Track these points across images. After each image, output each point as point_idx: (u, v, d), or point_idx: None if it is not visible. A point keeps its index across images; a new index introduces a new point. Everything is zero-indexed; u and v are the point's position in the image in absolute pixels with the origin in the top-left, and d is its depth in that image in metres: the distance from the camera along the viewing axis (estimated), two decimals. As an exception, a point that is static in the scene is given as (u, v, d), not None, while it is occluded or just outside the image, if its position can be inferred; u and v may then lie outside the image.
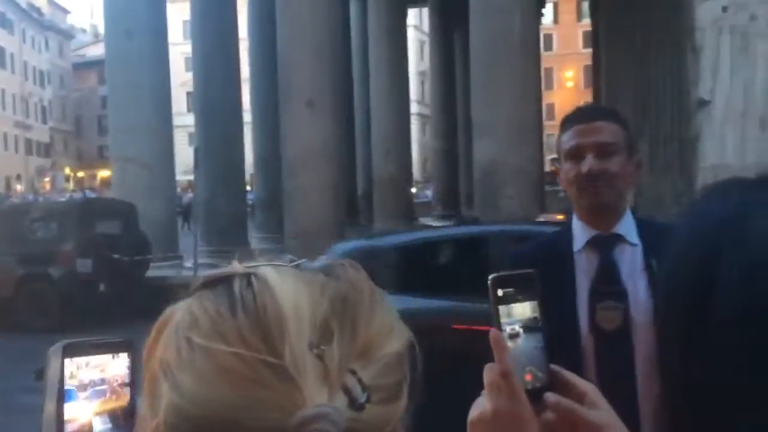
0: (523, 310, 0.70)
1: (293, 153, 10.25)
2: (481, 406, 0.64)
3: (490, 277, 0.70)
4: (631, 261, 1.53)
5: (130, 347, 0.62)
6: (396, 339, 0.47)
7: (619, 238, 1.55)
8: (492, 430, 0.63)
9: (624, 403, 1.20)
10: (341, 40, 11.31)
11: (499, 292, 0.70)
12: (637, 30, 12.81)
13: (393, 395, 0.45)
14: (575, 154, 1.55)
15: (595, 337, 1.52)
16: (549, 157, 23.54)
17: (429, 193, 24.32)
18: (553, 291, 1.36)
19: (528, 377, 0.67)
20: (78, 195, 32.80)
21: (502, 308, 0.69)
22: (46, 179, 52.55)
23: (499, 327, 0.68)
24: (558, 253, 1.59)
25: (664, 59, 11.34)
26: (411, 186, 18.05)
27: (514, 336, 0.68)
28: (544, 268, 1.10)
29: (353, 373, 0.43)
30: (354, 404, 0.42)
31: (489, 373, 0.64)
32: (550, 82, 52.81)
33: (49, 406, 0.59)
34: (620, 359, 1.51)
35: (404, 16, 16.72)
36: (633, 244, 1.54)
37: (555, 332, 1.30)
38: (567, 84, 56.06)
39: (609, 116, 1.62)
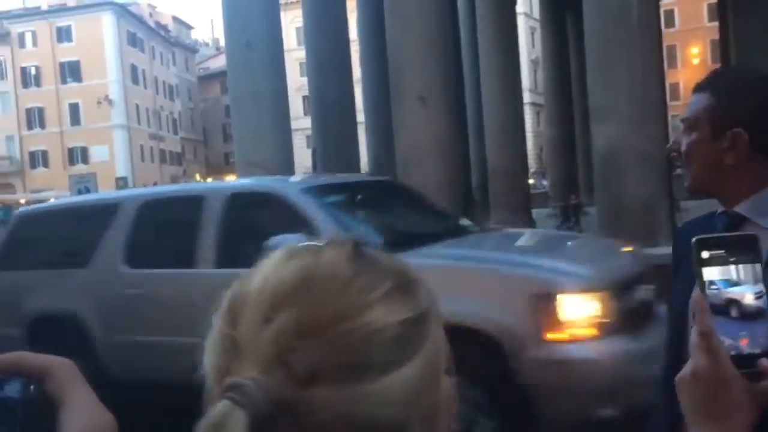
0: (738, 273, 0.66)
1: (406, 150, 10.35)
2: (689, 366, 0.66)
3: (693, 239, 0.68)
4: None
5: None
6: (366, 319, 0.45)
7: (740, 218, 1.34)
8: (693, 389, 0.64)
9: None
10: (450, 34, 11.27)
11: (704, 254, 0.67)
12: (770, -4, 11.84)
13: (352, 377, 0.43)
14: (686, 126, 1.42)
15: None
16: (675, 139, 22.21)
17: (546, 183, 23.73)
18: (684, 267, 1.35)
19: (743, 342, 0.65)
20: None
21: (706, 270, 0.67)
22: (179, 186, 56.15)
23: (702, 289, 0.66)
24: (706, 229, 1.39)
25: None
26: (527, 177, 17.68)
27: (733, 301, 0.65)
28: (684, 246, 1.14)
29: (295, 348, 0.43)
30: (290, 381, 0.43)
31: (692, 334, 0.65)
32: (674, 60, 49.89)
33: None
34: None
35: (514, 3, 16.40)
36: (762, 228, 1.28)
37: (674, 307, 1.32)
38: (693, 61, 52.68)
39: (700, 86, 1.42)
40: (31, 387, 0.50)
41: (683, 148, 1.39)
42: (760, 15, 12.83)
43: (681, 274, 1.40)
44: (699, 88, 1.42)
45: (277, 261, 0.49)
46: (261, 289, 0.47)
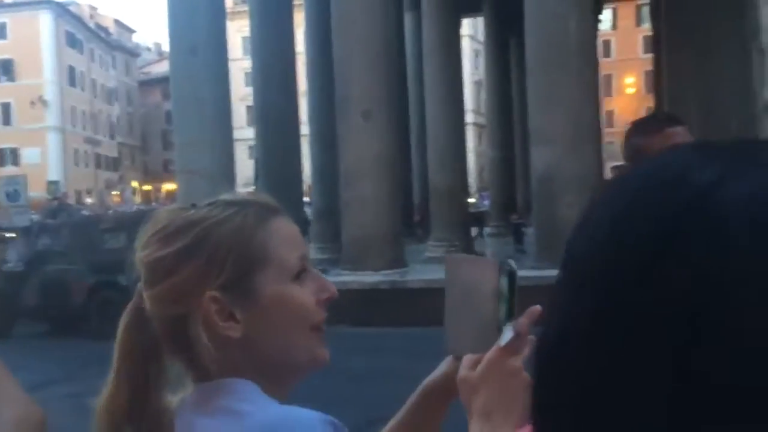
0: None
1: (350, 163, 10.38)
2: None
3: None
4: None
5: None
6: (139, 255, 0.77)
7: None
8: None
9: None
10: (396, 51, 11.42)
11: None
12: (701, 33, 12.47)
13: (145, 285, 0.77)
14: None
15: None
16: (610, 164, 23.04)
17: (486, 202, 24.17)
18: None
19: None
20: (144, 207, 33.89)
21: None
22: (115, 192, 54.55)
23: None
24: None
25: (729, 62, 10.99)
26: (467, 196, 17.97)
27: None
28: None
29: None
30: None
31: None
32: (609, 88, 51.76)
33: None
34: None
35: (459, 26, 16.73)
36: None
37: None
38: (627, 90, 54.80)
39: (677, 121, 1.78)
40: None
41: None
42: (691, 51, 13.48)
43: None
44: (676, 123, 1.79)
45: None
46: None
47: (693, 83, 13.30)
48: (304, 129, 14.94)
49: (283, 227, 0.77)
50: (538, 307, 0.72)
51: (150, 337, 0.76)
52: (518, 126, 22.07)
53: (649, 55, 28.38)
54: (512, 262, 0.76)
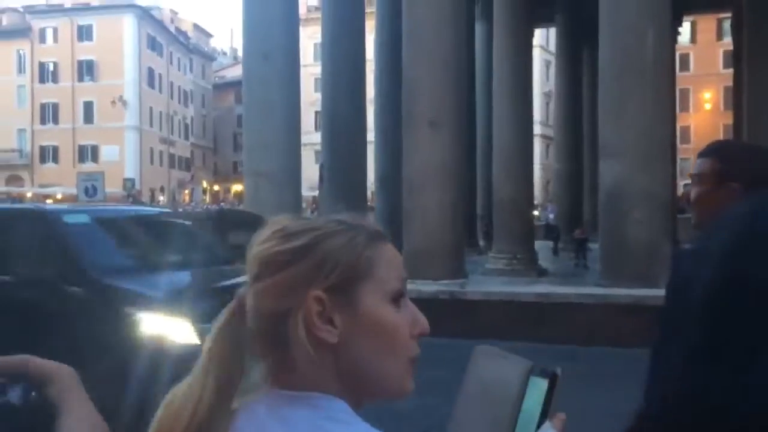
0: None
1: (414, 172, 10.38)
2: None
3: None
4: None
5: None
6: (252, 251, 0.80)
7: None
8: None
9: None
10: (465, 61, 11.36)
11: None
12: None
13: (252, 279, 0.78)
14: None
15: None
16: (683, 181, 22.26)
17: (552, 216, 23.72)
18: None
19: None
20: (214, 206, 34.84)
21: None
22: (186, 191, 56.33)
23: None
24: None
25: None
26: (532, 208, 17.71)
27: None
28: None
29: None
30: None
31: None
32: (686, 103, 50.06)
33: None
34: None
35: (531, 36, 16.52)
36: None
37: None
38: (705, 106, 52.83)
39: (705, 153, 2.08)
40: (33, 393, 0.53)
41: (692, 195, 2.04)
42: (775, 65, 12.89)
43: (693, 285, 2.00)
44: (703, 154, 2.06)
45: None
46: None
47: (776, 100, 12.71)
48: (370, 136, 15.06)
49: (389, 251, 0.81)
50: (562, 415, 0.74)
51: (243, 340, 0.78)
52: (587, 139, 21.59)
53: (729, 70, 27.31)
54: (558, 369, 0.73)
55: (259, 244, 0.79)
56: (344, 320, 0.74)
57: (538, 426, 0.70)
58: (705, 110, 52.54)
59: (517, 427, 0.71)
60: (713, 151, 2.11)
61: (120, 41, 51.84)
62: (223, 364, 0.76)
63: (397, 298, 0.78)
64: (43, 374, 0.57)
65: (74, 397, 0.56)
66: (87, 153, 51.71)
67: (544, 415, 0.70)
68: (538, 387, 0.72)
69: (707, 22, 48.54)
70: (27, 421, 0.50)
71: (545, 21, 21.50)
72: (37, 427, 0.51)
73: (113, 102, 51.28)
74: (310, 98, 38.78)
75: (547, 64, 46.92)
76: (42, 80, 52.88)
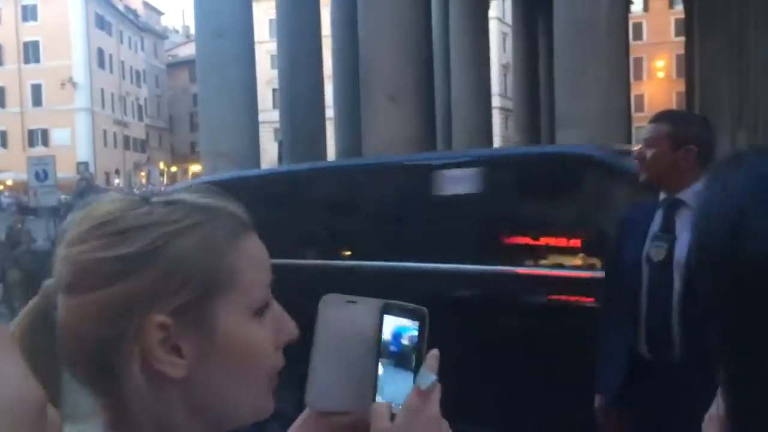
0: None
1: (374, 146, 10.35)
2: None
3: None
4: (686, 218, 2.17)
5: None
6: (68, 252, 0.60)
7: (681, 202, 2.20)
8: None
9: (661, 318, 2.16)
10: (423, 34, 11.31)
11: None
12: (734, 14, 12.16)
13: (67, 291, 0.59)
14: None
15: (648, 267, 2.21)
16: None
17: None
18: (633, 235, 2.27)
19: None
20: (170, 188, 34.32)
21: None
22: (142, 173, 55.29)
23: None
24: (647, 210, 2.28)
25: (763, 45, 10.71)
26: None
27: None
28: (634, 220, 2.35)
29: (61, 266, 0.61)
30: (60, 286, 0.60)
31: None
32: (640, 72, 50.90)
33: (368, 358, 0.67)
34: (662, 284, 2.16)
35: (486, 7, 16.53)
36: (692, 207, 2.13)
37: (626, 262, 2.29)
38: (658, 74, 53.82)
39: (659, 119, 2.27)
40: None
41: (647, 156, 2.21)
42: (723, 34, 13.15)
43: (629, 243, 2.27)
44: (656, 119, 2.27)
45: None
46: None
47: (725, 65, 13.00)
48: (329, 112, 14.94)
49: (255, 248, 0.63)
50: (436, 351, 0.66)
51: (54, 350, 0.59)
52: (545, 110, 21.83)
53: (681, 38, 27.80)
54: (424, 309, 0.68)
55: (74, 243, 0.59)
56: (194, 347, 0.58)
57: (416, 368, 0.66)
58: (658, 78, 53.54)
59: (388, 372, 0.67)
60: (667, 117, 2.29)
61: (66, 20, 50.16)
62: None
63: (261, 310, 0.62)
64: None
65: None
66: (37, 137, 50.21)
67: (419, 356, 0.66)
68: (405, 327, 0.67)
69: (659, -9, 49.28)
70: None
71: (501, -8, 21.50)
72: None
73: (62, 84, 49.77)
74: (267, 76, 38.22)
75: (504, 36, 47.06)
76: (-14, 63, 50.97)
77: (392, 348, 0.67)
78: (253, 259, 0.62)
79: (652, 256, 2.19)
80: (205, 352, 0.59)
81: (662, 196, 2.25)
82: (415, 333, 0.67)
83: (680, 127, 2.23)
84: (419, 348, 0.66)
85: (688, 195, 2.18)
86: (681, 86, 32.09)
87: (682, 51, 27.71)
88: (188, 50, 55.99)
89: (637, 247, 2.23)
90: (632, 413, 2.30)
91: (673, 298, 2.13)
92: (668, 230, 2.20)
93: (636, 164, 2.28)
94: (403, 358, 0.67)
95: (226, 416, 0.62)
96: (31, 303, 0.60)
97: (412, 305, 0.68)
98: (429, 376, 0.65)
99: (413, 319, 0.67)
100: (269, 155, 19.65)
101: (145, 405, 0.57)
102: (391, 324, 0.68)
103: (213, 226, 0.61)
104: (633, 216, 2.38)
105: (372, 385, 0.67)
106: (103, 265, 0.57)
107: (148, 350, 0.57)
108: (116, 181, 51.82)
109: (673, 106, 49.13)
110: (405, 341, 0.67)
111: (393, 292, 0.86)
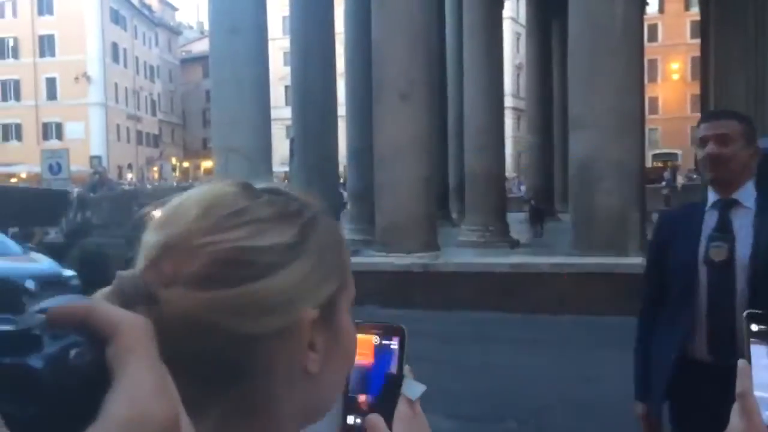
0: None
1: (385, 145, 10.35)
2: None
3: (745, 313, 0.73)
4: (742, 218, 2.14)
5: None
6: (209, 240, 0.52)
7: (736, 202, 2.16)
8: None
9: (724, 320, 2.07)
10: (436, 33, 11.30)
11: (754, 327, 0.72)
12: (750, 17, 12.05)
13: (194, 282, 0.51)
14: (702, 142, 2.16)
15: (708, 268, 2.14)
16: (651, 152, 22.55)
17: (523, 188, 23.90)
18: (684, 236, 2.21)
19: None
20: (183, 183, 34.45)
21: (755, 344, 0.71)
22: (155, 168, 55.53)
23: (749, 360, 0.71)
24: (695, 211, 2.24)
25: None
26: (504, 181, 17.80)
27: None
28: (681, 222, 2.28)
29: (163, 257, 0.52)
30: (158, 280, 0.51)
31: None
32: (654, 74, 50.53)
33: None
34: (725, 285, 2.10)
35: (500, 7, 16.45)
36: (747, 207, 2.15)
37: (680, 264, 2.20)
38: (672, 76, 53.42)
39: (729, 115, 2.20)
40: (72, 352, 0.37)
41: (727, 153, 2.12)
42: (740, 37, 13.04)
43: (681, 243, 2.20)
44: (724, 116, 2.22)
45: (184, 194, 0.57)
46: (165, 207, 0.56)
47: (740, 69, 12.88)
48: (341, 110, 14.95)
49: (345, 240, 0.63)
50: (408, 367, 0.69)
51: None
52: (558, 111, 21.72)
53: (697, 41, 27.59)
54: (403, 327, 0.69)
55: (209, 231, 0.52)
56: (324, 342, 0.56)
57: (397, 383, 0.67)
58: (672, 80, 53.14)
59: (382, 389, 0.67)
60: (735, 114, 2.25)
61: (81, 15, 50.43)
62: None
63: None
64: (107, 326, 0.38)
65: (136, 361, 0.37)
66: (51, 130, 50.56)
67: (400, 372, 0.67)
68: (388, 347, 0.68)
69: (675, -7, 48.90)
70: (61, 390, 0.35)
71: (515, -8, 21.42)
72: (78, 397, 0.35)
73: (77, 78, 50.07)
74: (280, 73, 38.28)
75: (518, 36, 46.89)
76: (2, 56, 51.35)
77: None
78: (348, 252, 0.61)
79: (713, 256, 2.13)
80: (330, 347, 0.57)
81: (713, 196, 2.20)
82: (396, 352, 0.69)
83: (750, 126, 2.20)
84: (400, 366, 0.68)
85: (742, 195, 2.15)
86: (695, 89, 31.84)
87: (697, 53, 27.48)
88: (202, 46, 56.17)
89: (692, 248, 2.17)
90: (681, 419, 2.22)
91: (736, 298, 2.08)
92: (725, 230, 2.14)
93: (706, 162, 2.16)
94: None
95: (324, 410, 0.60)
96: (107, 295, 0.49)
97: (390, 323, 0.69)
98: (418, 386, 0.67)
99: (391, 338, 0.69)
100: (281, 152, 19.68)
101: (279, 404, 0.55)
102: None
103: (330, 217, 0.59)
104: (678, 217, 2.34)
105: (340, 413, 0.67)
106: (254, 256, 0.52)
107: (298, 347, 0.54)
108: (129, 175, 52.09)
109: (688, 109, 48.78)
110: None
111: None
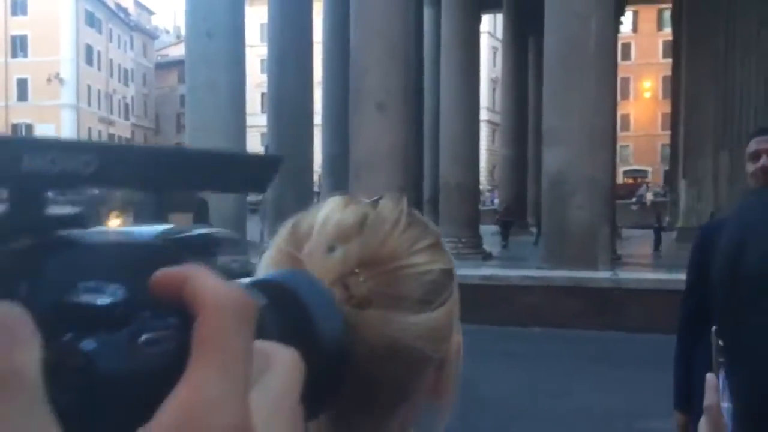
0: None
1: (361, 154, 10.35)
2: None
3: (714, 327, 0.79)
4: None
5: None
6: (414, 261, 0.51)
7: None
8: None
9: None
10: (413, 45, 11.36)
11: (722, 343, 0.78)
12: (720, 38, 12.33)
13: (399, 307, 0.50)
14: (754, 157, 2.27)
15: None
16: (622, 168, 22.89)
17: (496, 201, 24.08)
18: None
19: None
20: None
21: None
22: (126, 173, 54.77)
23: (717, 374, 0.76)
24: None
25: (748, 68, 10.86)
26: (478, 192, 17.91)
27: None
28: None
29: (356, 274, 0.49)
30: (349, 300, 0.48)
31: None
32: (627, 91, 51.41)
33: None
34: None
35: (478, 21, 16.62)
36: None
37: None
38: (644, 94, 54.41)
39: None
40: (143, 337, 0.27)
41: None
42: (710, 57, 13.32)
43: (750, 249, 2.10)
44: None
45: (336, 204, 0.54)
46: (324, 222, 0.52)
47: (711, 88, 13.15)
48: (318, 118, 14.93)
49: None
50: None
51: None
52: (532, 125, 21.97)
53: (669, 60, 28.15)
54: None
55: (409, 253, 0.51)
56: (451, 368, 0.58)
57: None
58: (644, 99, 54.11)
59: None
60: None
61: (56, 16, 49.78)
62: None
63: None
64: (199, 300, 0.27)
65: (214, 348, 0.26)
66: (21, 132, 49.65)
67: None
68: None
69: (648, 12, 49.91)
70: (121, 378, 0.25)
71: (493, 7, 21.69)
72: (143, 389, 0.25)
73: (49, 79, 49.33)
74: (257, 80, 38.13)
75: (494, 50, 47.37)
76: (-28, 55, 50.41)
77: None
78: None
79: None
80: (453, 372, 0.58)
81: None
82: None
83: None
84: None
85: None
86: (667, 107, 32.46)
87: (669, 72, 28.02)
88: (178, 51, 55.73)
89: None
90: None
91: None
92: None
93: (758, 174, 2.29)
94: None
95: None
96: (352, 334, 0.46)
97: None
98: None
99: None
100: (255, 159, 19.55)
101: (399, 427, 0.55)
102: None
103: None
104: (713, 232, 2.46)
105: None
106: (447, 279, 0.54)
107: (443, 371, 0.55)
108: (100, 179, 51.30)
109: (658, 126, 49.68)
110: None
111: None
